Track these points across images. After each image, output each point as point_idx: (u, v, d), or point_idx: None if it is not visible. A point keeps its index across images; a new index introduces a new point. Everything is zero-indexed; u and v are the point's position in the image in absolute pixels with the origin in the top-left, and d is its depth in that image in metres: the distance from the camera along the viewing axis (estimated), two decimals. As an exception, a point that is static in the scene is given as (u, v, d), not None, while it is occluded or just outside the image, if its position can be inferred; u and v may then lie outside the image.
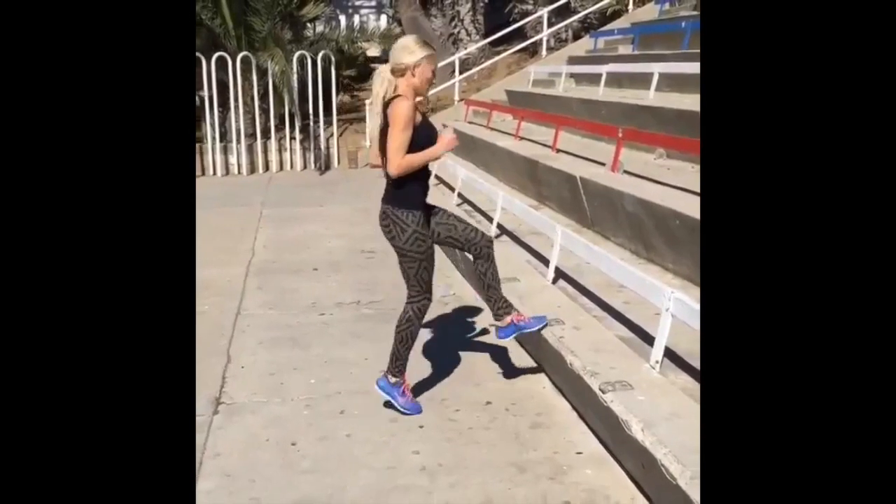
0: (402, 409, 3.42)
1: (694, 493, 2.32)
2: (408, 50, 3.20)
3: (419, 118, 3.22)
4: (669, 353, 3.37)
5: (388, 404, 3.46)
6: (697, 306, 3.22)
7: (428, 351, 4.17)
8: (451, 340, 4.34)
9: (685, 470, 2.42)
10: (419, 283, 3.35)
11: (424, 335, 4.43)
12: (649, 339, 3.47)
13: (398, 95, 3.18)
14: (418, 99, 3.26)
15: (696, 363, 3.37)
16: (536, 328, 3.54)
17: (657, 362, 3.28)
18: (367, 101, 11.81)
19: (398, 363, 3.41)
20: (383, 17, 17.99)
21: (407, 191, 3.26)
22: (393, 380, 3.42)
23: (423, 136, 3.22)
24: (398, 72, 3.20)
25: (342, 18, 17.40)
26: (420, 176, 3.30)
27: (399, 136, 3.13)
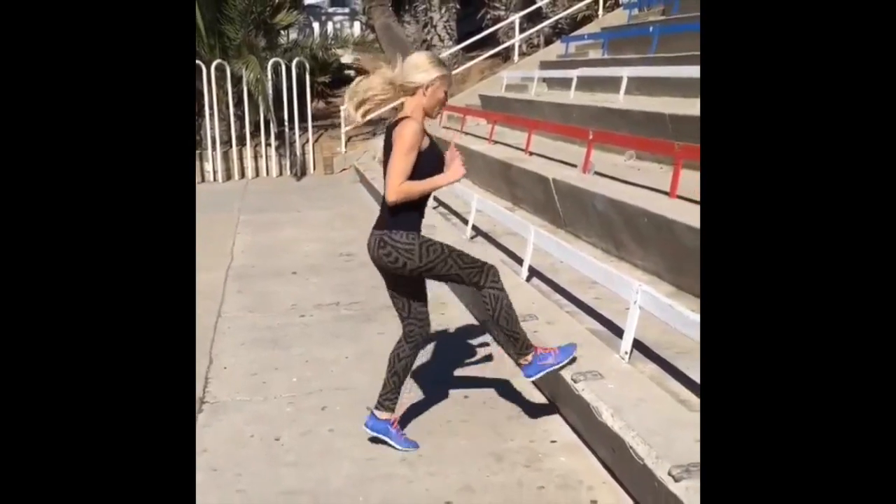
0: (561, 363, 3.17)
1: (660, 471, 2.45)
2: (420, 68, 2.96)
3: (427, 142, 2.98)
4: (638, 345, 3.51)
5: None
6: (664, 299, 3.38)
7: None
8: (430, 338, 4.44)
9: (651, 450, 2.56)
10: (469, 267, 3.05)
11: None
12: (619, 332, 3.61)
13: (406, 117, 2.96)
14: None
15: (663, 353, 3.53)
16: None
17: (626, 353, 3.42)
18: (342, 107, 11.95)
19: (521, 341, 3.14)
20: (356, 24, 18.08)
21: (404, 215, 2.99)
22: (529, 358, 3.16)
23: (428, 163, 2.97)
24: (408, 90, 2.98)
25: (315, 26, 17.48)
26: (419, 203, 3.04)
27: (401, 160, 2.88)
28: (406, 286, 3.16)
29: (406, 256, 2.97)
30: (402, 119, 2.97)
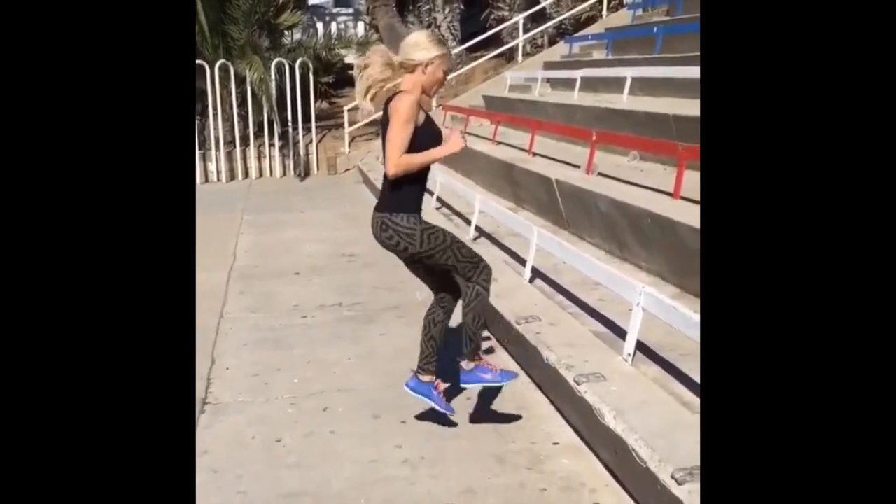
0: (497, 383, 3.32)
1: (663, 474, 2.44)
2: (420, 46, 3.02)
3: (423, 117, 3.04)
4: (641, 346, 3.49)
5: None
6: (668, 301, 3.36)
7: (409, 350, 4.27)
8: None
9: (654, 453, 2.54)
10: (466, 261, 3.13)
11: (407, 335, 4.54)
12: (622, 334, 3.59)
13: (401, 91, 3.01)
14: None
15: (666, 355, 3.50)
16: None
17: (629, 355, 3.41)
18: (346, 108, 11.94)
19: (474, 345, 3.22)
20: (360, 25, 18.09)
21: (404, 193, 3.05)
22: (471, 365, 3.23)
23: (425, 137, 3.02)
24: (407, 68, 3.03)
25: (319, 26, 17.49)
26: (419, 178, 3.09)
27: (399, 133, 2.93)
28: (419, 269, 3.27)
29: (407, 241, 3.05)
30: (397, 93, 3.01)
